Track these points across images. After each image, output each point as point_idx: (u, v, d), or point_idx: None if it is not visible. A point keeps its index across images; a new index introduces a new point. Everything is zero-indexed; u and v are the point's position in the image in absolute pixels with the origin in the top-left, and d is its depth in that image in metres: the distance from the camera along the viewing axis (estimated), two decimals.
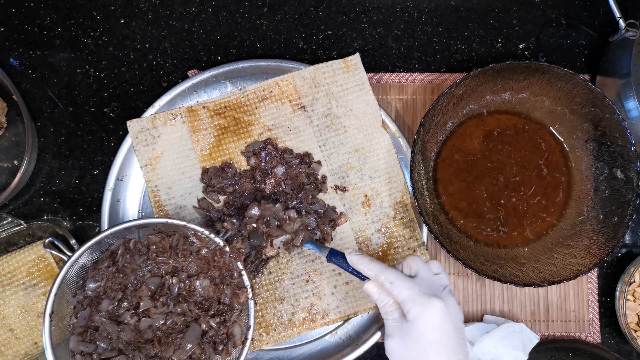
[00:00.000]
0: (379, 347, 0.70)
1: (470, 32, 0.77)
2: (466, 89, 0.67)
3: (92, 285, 0.61)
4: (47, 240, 0.67)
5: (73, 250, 0.68)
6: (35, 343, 0.67)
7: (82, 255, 0.61)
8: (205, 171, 0.70)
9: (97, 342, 0.59)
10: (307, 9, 0.76)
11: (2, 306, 0.66)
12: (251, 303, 0.62)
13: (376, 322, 0.69)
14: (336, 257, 0.62)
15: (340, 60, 0.71)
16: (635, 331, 0.70)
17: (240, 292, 0.63)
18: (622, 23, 0.65)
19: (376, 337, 0.67)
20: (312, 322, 0.68)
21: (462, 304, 0.72)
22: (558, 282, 0.62)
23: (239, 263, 0.63)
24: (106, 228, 0.61)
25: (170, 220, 0.62)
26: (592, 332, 0.72)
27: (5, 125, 0.72)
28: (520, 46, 0.76)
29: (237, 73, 0.72)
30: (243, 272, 0.63)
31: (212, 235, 0.62)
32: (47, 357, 0.58)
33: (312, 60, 0.75)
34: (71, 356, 0.59)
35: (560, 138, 0.71)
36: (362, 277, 0.59)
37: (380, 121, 0.71)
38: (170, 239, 0.63)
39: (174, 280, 0.61)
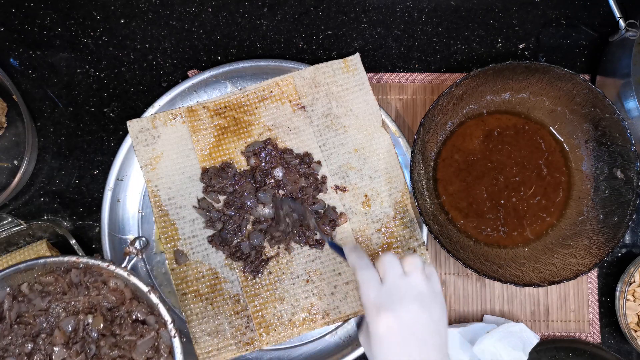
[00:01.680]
0: None
1: (470, 32, 0.77)
2: (466, 89, 0.67)
3: None
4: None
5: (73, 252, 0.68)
6: None
7: None
8: (205, 171, 0.69)
9: None
10: (307, 9, 0.76)
11: None
12: (175, 341, 0.54)
13: None
14: (334, 247, 0.62)
15: (340, 60, 0.71)
16: (635, 331, 0.70)
17: (162, 329, 0.55)
18: (622, 23, 0.64)
19: None
20: (312, 322, 0.68)
21: (462, 304, 0.72)
22: (558, 282, 0.62)
23: (152, 296, 0.54)
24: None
25: (49, 259, 0.53)
26: (592, 332, 0.72)
27: (5, 125, 0.72)
28: (520, 46, 0.76)
29: (237, 73, 0.72)
30: (160, 306, 0.54)
31: (112, 267, 0.54)
32: None
33: (312, 60, 0.75)
34: None
35: (560, 138, 0.71)
36: None
37: (380, 121, 0.71)
38: (66, 276, 0.55)
39: (90, 319, 0.52)
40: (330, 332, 0.70)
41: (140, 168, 0.70)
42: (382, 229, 0.69)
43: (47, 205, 0.73)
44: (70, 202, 0.73)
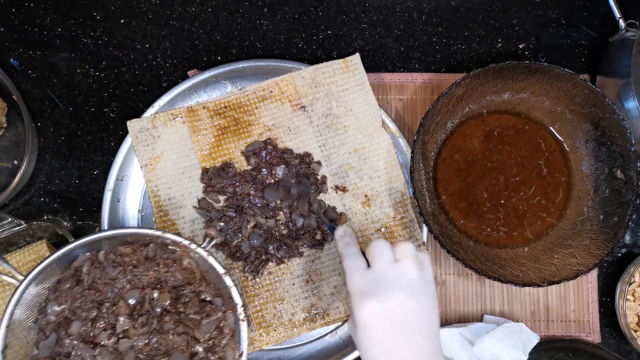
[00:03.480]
0: None
1: (470, 32, 0.77)
2: (466, 89, 0.67)
3: (55, 309, 0.54)
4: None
5: None
6: None
7: (37, 278, 0.54)
8: (205, 171, 0.70)
9: None
10: (307, 9, 0.76)
11: (2, 307, 0.66)
12: (243, 325, 0.54)
13: None
14: (332, 230, 0.64)
15: (340, 60, 0.71)
16: (635, 331, 0.70)
17: (229, 311, 0.55)
18: (622, 23, 0.65)
19: None
20: (312, 322, 0.68)
21: (462, 304, 0.72)
22: (558, 282, 0.62)
23: (226, 278, 0.55)
24: (62, 248, 0.52)
25: (140, 230, 0.55)
26: (592, 332, 0.72)
27: (5, 125, 0.72)
28: (520, 46, 0.76)
29: (237, 73, 0.72)
30: (232, 289, 0.55)
31: (194, 246, 0.55)
32: None
33: (312, 60, 0.75)
34: None
35: (560, 138, 0.71)
36: None
37: (380, 121, 0.71)
38: (144, 249, 0.56)
39: (156, 294, 0.53)
40: (330, 332, 0.70)
41: (140, 168, 0.70)
42: (382, 229, 0.69)
43: (47, 205, 0.73)
44: (70, 202, 0.73)
